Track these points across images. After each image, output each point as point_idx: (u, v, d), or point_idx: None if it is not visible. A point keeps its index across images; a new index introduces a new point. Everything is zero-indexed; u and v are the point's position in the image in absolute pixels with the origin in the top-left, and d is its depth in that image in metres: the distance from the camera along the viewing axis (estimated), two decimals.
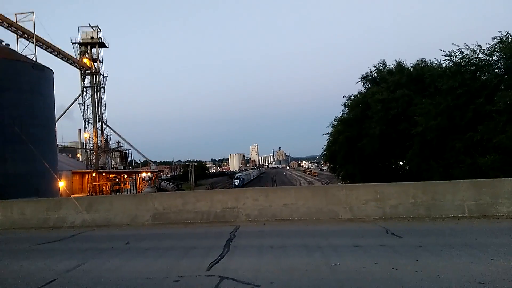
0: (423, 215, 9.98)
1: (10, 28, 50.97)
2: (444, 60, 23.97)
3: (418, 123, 22.96)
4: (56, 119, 51.82)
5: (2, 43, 46.53)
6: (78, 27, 73.66)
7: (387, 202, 10.25)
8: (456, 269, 5.82)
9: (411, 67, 31.34)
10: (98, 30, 74.13)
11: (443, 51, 23.53)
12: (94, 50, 74.22)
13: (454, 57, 22.75)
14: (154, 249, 8.18)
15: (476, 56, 21.66)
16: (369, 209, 10.28)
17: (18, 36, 52.33)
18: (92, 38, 73.27)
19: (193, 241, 8.81)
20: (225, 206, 11.24)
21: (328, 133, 40.40)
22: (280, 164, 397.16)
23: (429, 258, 6.40)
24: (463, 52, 22.23)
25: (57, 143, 53.69)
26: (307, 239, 8.26)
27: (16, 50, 48.95)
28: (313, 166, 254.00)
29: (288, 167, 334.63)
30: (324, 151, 43.85)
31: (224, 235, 9.01)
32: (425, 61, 30.52)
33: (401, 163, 31.86)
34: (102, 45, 75.07)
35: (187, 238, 9.39)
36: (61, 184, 47.47)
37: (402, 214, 10.07)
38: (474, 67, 21.89)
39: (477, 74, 21.89)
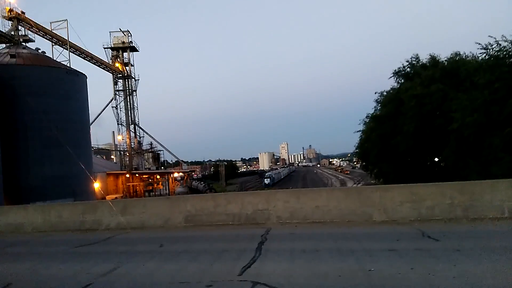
0: (460, 216, 9.64)
1: (45, 37, 52.74)
2: (481, 53, 23.17)
3: (454, 119, 22.27)
4: (90, 122, 53.31)
5: (39, 50, 48.23)
6: (110, 32, 75.42)
7: (423, 203, 9.94)
8: (496, 274, 5.56)
9: (446, 61, 30.46)
10: (129, 34, 75.62)
11: (479, 43, 22.73)
12: (125, 54, 75.78)
13: (491, 49, 21.94)
14: (187, 252, 8.25)
15: None
16: (404, 211, 10.01)
17: (53, 44, 54.09)
18: (123, 42, 74.82)
19: (225, 244, 8.83)
20: (256, 208, 11.19)
21: (360, 131, 39.86)
22: (311, 162, 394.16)
23: (467, 263, 6.15)
24: (500, 45, 21.41)
25: (92, 146, 55.19)
26: (340, 243, 8.12)
27: (52, 57, 50.66)
28: (345, 164, 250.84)
29: (319, 165, 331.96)
30: (356, 148, 43.34)
31: (255, 238, 8.97)
32: (459, 54, 29.63)
33: (436, 159, 31.03)
34: (133, 49, 76.55)
35: (219, 241, 9.41)
36: (96, 185, 48.81)
37: (439, 216, 9.75)
38: None
39: None
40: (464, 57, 28.86)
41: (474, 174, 20.52)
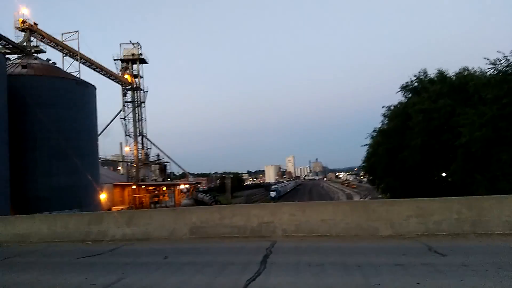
0: (468, 231, 9.54)
1: (57, 48, 53.50)
2: (489, 68, 23.12)
3: (462, 134, 22.15)
4: (98, 133, 53.67)
5: (50, 61, 48.88)
6: (120, 44, 76.54)
7: (430, 218, 9.86)
8: None
9: (454, 75, 30.41)
10: (139, 46, 76.65)
11: (487, 59, 22.68)
12: (135, 66, 76.65)
13: (499, 65, 21.88)
14: (192, 264, 8.21)
15: None
16: (411, 225, 9.93)
17: (64, 55, 54.83)
18: (133, 54, 75.73)
19: (229, 257, 8.79)
20: (262, 221, 11.15)
21: (367, 145, 39.81)
22: (317, 175, 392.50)
23: (474, 278, 6.07)
24: (508, 60, 21.35)
25: (99, 156, 55.46)
26: (346, 257, 8.06)
27: (62, 68, 51.32)
28: (352, 178, 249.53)
29: (325, 179, 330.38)
30: (363, 162, 43.20)
31: (260, 250, 8.93)
32: (468, 69, 29.58)
33: (443, 174, 30.80)
34: (143, 61, 77.41)
35: (224, 253, 9.38)
36: (103, 196, 48.92)
37: (446, 231, 9.66)
38: None
39: None
40: (472, 72, 28.81)
41: (482, 190, 20.33)
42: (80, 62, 55.46)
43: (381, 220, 10.22)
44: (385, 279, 6.29)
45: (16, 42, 45.85)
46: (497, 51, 22.20)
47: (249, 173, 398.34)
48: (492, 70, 22.74)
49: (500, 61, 21.87)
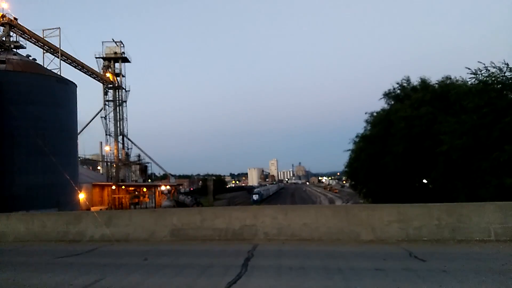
0: (447, 237, 9.66)
1: (37, 44, 52.59)
2: (470, 78, 23.49)
3: (443, 141, 22.45)
4: (78, 131, 52.87)
5: (29, 57, 47.98)
6: (102, 42, 75.86)
7: (411, 223, 9.96)
8: None
9: (436, 84, 30.84)
10: (122, 45, 75.94)
11: (469, 68, 23.08)
12: (117, 64, 75.89)
13: (480, 75, 22.26)
14: (172, 266, 8.11)
15: (503, 74, 21.15)
16: (392, 231, 10.00)
17: (45, 51, 53.92)
18: (115, 53, 74.96)
19: (210, 259, 8.70)
20: (243, 223, 11.09)
21: (349, 150, 40.07)
22: (300, 179, 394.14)
23: (453, 284, 6.15)
24: (489, 70, 21.74)
25: (79, 156, 54.61)
26: (327, 261, 8.07)
27: (42, 65, 50.42)
28: (334, 182, 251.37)
29: (308, 183, 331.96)
30: (345, 167, 43.48)
31: (242, 253, 8.87)
32: (450, 78, 30.02)
33: (425, 181, 31.20)
34: (125, 60, 76.70)
35: (205, 256, 9.28)
36: (81, 196, 48.15)
37: (426, 236, 9.77)
38: (500, 85, 21.36)
39: (504, 93, 21.36)
40: (454, 81, 29.26)
41: (462, 197, 20.63)
42: (61, 59, 54.66)
43: (362, 225, 10.27)
44: (366, 283, 6.31)
45: None
46: (478, 61, 22.62)
47: (232, 175, 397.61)
48: (473, 79, 23.12)
49: (480, 71, 22.26)
